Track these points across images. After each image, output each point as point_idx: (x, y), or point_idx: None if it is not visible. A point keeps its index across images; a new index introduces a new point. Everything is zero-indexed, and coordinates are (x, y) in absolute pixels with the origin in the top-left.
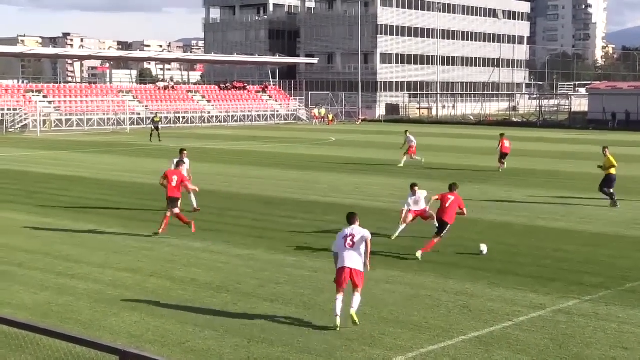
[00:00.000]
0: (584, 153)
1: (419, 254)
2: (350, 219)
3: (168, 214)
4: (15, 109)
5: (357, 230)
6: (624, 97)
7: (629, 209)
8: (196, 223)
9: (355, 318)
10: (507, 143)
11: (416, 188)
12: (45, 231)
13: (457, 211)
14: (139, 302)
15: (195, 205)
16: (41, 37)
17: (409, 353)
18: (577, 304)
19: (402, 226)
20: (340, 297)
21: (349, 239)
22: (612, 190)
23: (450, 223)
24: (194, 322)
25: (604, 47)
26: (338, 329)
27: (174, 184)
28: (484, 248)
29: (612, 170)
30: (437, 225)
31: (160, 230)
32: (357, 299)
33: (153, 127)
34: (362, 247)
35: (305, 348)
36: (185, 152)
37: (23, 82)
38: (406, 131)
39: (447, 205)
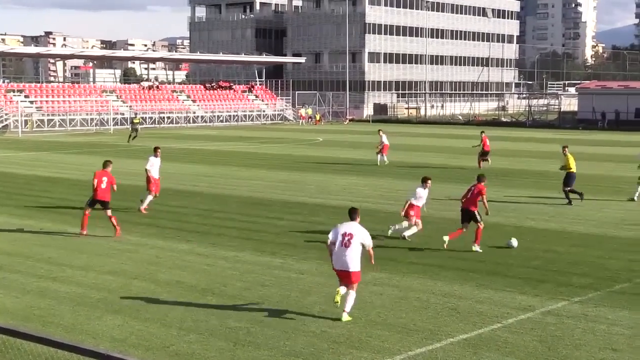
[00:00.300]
0: (574, 153)
1: (474, 247)
2: (352, 214)
3: (109, 213)
4: None
5: (356, 230)
6: (613, 97)
7: (618, 209)
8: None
9: (346, 319)
10: (487, 141)
11: (429, 182)
12: (26, 233)
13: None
14: (122, 305)
15: (144, 206)
16: (22, 36)
17: (396, 356)
18: (566, 306)
19: (405, 223)
20: (343, 287)
21: (346, 238)
22: (572, 187)
23: (474, 210)
24: (178, 326)
25: (593, 46)
26: (338, 302)
27: (103, 185)
28: (514, 242)
29: (572, 169)
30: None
31: (117, 234)
32: (350, 298)
33: (131, 129)
34: (359, 248)
35: (291, 351)
36: (159, 150)
37: (4, 82)
38: (379, 130)
39: (469, 195)
